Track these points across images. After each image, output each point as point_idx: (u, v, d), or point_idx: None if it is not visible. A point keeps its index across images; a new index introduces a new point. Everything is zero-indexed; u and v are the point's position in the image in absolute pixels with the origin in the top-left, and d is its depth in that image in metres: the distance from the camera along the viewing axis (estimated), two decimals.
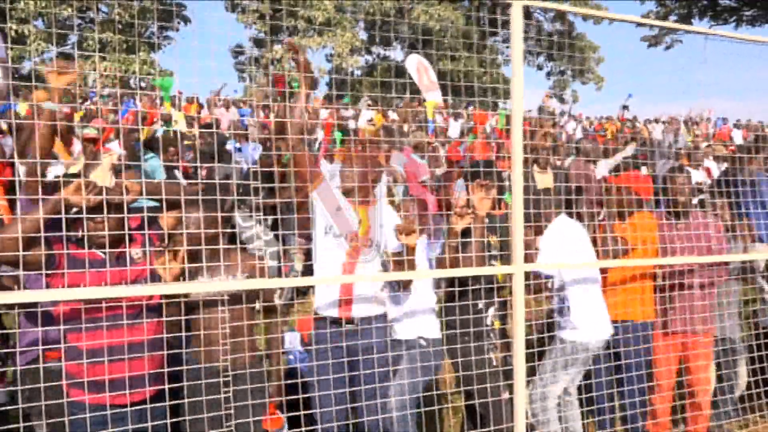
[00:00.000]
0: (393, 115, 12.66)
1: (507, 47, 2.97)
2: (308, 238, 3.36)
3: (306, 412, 2.91)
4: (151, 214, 2.79)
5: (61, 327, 2.44)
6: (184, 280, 2.64)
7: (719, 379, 4.19)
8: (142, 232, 2.68)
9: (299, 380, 3.26)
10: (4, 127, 6.02)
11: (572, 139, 10.98)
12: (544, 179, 5.48)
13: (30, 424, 2.50)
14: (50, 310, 2.59)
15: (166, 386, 2.71)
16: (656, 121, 18.91)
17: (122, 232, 2.51)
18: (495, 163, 3.92)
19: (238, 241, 4.62)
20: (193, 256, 2.72)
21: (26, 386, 2.56)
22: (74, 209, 2.42)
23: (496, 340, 3.50)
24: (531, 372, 3.31)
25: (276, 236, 4.73)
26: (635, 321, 3.79)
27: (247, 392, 2.77)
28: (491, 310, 3.52)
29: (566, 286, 3.58)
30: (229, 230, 3.24)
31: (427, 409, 3.28)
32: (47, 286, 2.47)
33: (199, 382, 2.76)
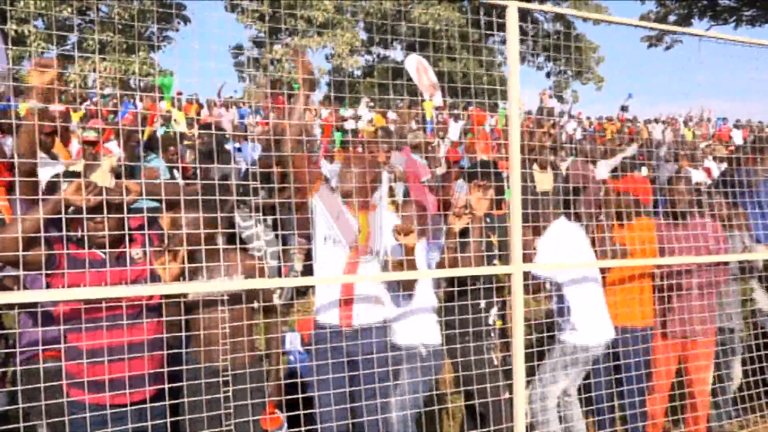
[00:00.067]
0: (392, 116, 12.68)
1: (505, 48, 2.99)
2: (308, 238, 3.35)
3: (306, 411, 2.91)
4: (151, 215, 2.79)
5: (61, 327, 2.45)
6: (183, 280, 2.65)
7: (716, 377, 4.20)
8: (142, 232, 2.68)
9: (299, 380, 3.27)
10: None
11: (572, 139, 10.99)
12: (544, 179, 5.49)
13: (30, 423, 2.50)
14: (50, 310, 2.59)
15: (166, 386, 2.72)
16: (656, 121, 18.94)
17: (122, 232, 2.51)
18: (495, 163, 3.93)
19: (237, 242, 4.62)
20: (192, 257, 2.73)
21: (24, 386, 2.56)
22: (71, 209, 2.42)
23: (497, 340, 3.50)
24: (531, 372, 3.31)
25: (276, 236, 4.74)
26: (635, 326, 3.78)
27: (246, 392, 2.78)
28: (493, 310, 3.52)
29: (565, 288, 3.58)
30: (228, 230, 3.23)
31: (427, 409, 3.28)
32: (47, 286, 2.48)
33: (199, 381, 2.76)
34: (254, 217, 4.64)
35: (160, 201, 2.84)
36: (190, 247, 2.66)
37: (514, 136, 2.91)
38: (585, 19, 26.41)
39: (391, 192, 4.46)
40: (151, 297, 2.62)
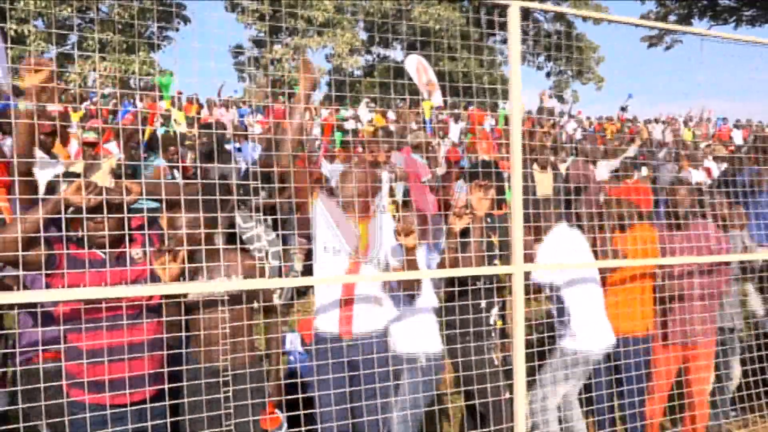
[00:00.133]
0: (392, 115, 12.67)
1: (506, 47, 2.98)
2: (308, 238, 3.34)
3: (306, 411, 2.91)
4: (151, 215, 2.79)
5: (61, 327, 2.44)
6: (184, 280, 2.65)
7: (716, 376, 4.19)
8: (142, 232, 2.68)
9: (299, 380, 3.26)
10: None
11: (572, 139, 10.99)
12: (544, 179, 5.49)
13: (30, 424, 2.50)
14: (50, 310, 2.59)
15: (166, 386, 2.71)
16: (656, 121, 18.93)
17: (122, 232, 2.51)
18: (496, 163, 3.92)
19: (238, 242, 4.62)
20: (192, 257, 2.72)
21: (24, 386, 2.56)
22: (70, 209, 2.42)
23: (497, 340, 3.50)
24: (531, 372, 3.31)
25: (277, 236, 4.73)
26: (636, 335, 3.75)
27: (246, 392, 2.78)
28: (494, 310, 3.52)
29: (565, 295, 3.55)
30: (228, 230, 3.23)
31: (427, 409, 3.28)
32: (47, 286, 2.47)
33: (199, 382, 2.76)
34: (255, 217, 4.63)
35: (160, 201, 2.84)
36: (189, 248, 2.66)
37: (516, 136, 2.90)
38: (585, 19, 26.40)
39: (392, 192, 4.45)
40: (150, 297, 2.62)
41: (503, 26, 2.98)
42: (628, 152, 7.21)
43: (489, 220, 3.59)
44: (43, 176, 3.42)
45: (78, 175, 2.70)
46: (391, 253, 3.14)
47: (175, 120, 6.72)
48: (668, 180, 6.80)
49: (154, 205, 2.88)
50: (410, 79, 8.66)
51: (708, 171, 9.24)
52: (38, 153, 4.09)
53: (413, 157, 6.14)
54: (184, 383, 2.80)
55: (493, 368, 3.37)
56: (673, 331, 3.79)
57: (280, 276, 4.51)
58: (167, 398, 2.73)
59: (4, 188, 3.61)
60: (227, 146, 6.84)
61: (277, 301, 3.21)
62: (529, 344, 3.02)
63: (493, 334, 3.50)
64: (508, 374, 3.13)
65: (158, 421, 2.64)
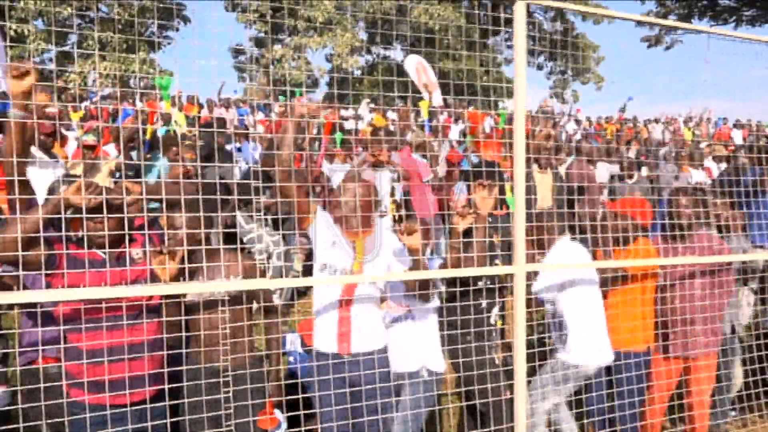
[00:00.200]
0: (392, 115, 12.65)
1: (508, 46, 2.97)
2: (308, 238, 3.33)
3: (306, 411, 2.90)
4: (151, 215, 2.78)
5: (61, 327, 2.44)
6: (183, 280, 2.64)
7: (717, 378, 4.17)
8: (142, 232, 2.67)
9: (299, 380, 3.25)
10: None
11: (572, 139, 10.98)
12: (544, 179, 5.47)
13: (30, 424, 2.49)
14: (50, 310, 2.58)
15: (166, 386, 2.71)
16: (656, 121, 18.92)
17: (122, 232, 2.50)
18: (498, 163, 3.91)
19: (238, 242, 4.61)
20: (191, 257, 2.72)
21: (26, 387, 2.56)
22: (70, 210, 2.41)
23: (498, 340, 3.49)
24: (531, 372, 3.29)
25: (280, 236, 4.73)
26: (637, 351, 3.70)
27: (246, 392, 2.77)
28: (495, 310, 3.51)
29: (565, 310, 3.52)
30: (227, 230, 3.22)
31: (427, 409, 3.27)
32: (47, 286, 2.47)
33: (199, 382, 2.75)
34: (255, 218, 4.62)
35: (160, 201, 2.83)
36: (187, 247, 2.65)
37: (519, 135, 2.88)
38: (585, 18, 26.39)
39: (392, 192, 4.44)
40: (151, 297, 2.61)
41: (507, 23, 2.95)
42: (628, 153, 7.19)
43: (491, 220, 3.58)
44: (42, 176, 3.41)
45: (78, 177, 2.69)
46: (393, 254, 3.13)
47: (175, 121, 6.70)
48: (668, 180, 6.79)
49: (155, 205, 2.87)
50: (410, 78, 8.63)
51: (708, 171, 9.24)
52: (38, 153, 4.09)
53: (414, 157, 6.13)
54: (184, 383, 2.80)
55: (494, 368, 3.36)
56: (674, 344, 3.74)
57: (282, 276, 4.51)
58: (167, 398, 2.73)
59: (4, 189, 3.60)
60: (227, 147, 6.84)
61: (277, 301, 3.20)
62: (529, 344, 3.01)
63: (494, 334, 3.49)
64: (509, 374, 3.12)
65: (158, 422, 2.64)
